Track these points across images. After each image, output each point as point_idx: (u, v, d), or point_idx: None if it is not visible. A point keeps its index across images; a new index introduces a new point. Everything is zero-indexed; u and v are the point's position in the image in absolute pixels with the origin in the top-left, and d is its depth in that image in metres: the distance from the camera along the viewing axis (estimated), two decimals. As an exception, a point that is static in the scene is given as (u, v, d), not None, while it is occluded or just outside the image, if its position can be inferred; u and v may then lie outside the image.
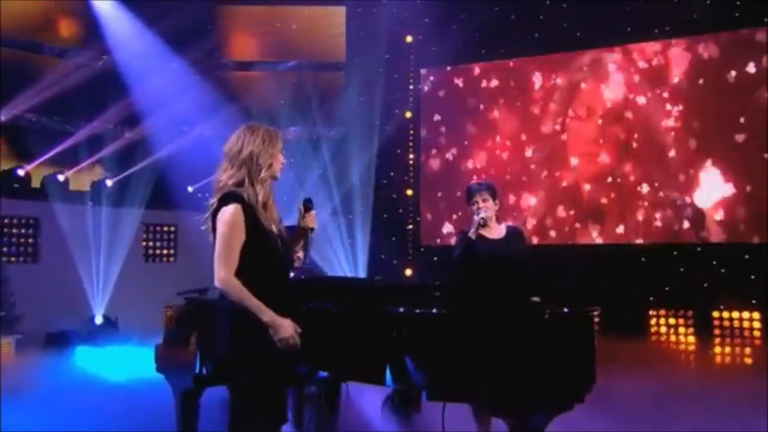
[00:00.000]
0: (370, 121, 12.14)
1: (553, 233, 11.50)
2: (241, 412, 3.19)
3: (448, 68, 12.38)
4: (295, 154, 12.46)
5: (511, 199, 11.58)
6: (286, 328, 3.12)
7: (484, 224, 4.58)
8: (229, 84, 11.69)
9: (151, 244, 12.08)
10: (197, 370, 4.37)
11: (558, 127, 11.53)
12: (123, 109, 11.04)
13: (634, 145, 11.00)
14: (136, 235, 11.46)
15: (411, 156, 12.45)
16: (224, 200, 3.15)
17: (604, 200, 11.19)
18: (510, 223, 4.96)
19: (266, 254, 3.19)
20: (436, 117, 12.43)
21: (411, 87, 12.49)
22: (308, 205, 3.43)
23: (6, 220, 10.68)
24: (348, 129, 12.37)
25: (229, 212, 3.11)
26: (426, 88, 12.54)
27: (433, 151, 12.40)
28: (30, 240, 10.84)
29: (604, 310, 10.74)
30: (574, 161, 11.44)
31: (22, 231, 10.91)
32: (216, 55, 11.68)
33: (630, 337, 9.81)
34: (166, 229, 12.18)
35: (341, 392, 4.87)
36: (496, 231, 4.77)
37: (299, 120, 12.34)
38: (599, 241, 11.18)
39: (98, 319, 10.72)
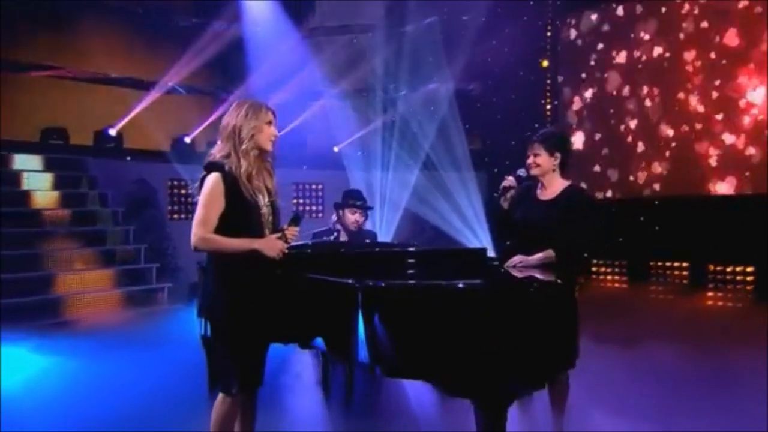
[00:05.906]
0: (507, 72, 11.64)
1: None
2: (216, 366, 3.50)
3: (588, 11, 11.41)
4: (435, 110, 12.42)
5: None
6: (271, 248, 3.29)
7: (504, 192, 4.00)
8: (353, 47, 11.85)
9: (301, 201, 12.85)
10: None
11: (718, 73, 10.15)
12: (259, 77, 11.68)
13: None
14: (286, 194, 12.23)
15: (549, 108, 11.77)
16: (207, 170, 3.35)
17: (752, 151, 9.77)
18: (572, 183, 4.04)
19: (246, 224, 3.34)
20: (576, 64, 11.59)
21: (549, 34, 11.74)
22: (294, 222, 3.43)
23: (174, 183, 12.02)
24: (485, 82, 12.01)
25: (210, 180, 3.31)
26: (564, 34, 11.71)
27: (574, 103, 11.62)
28: (191, 200, 12.10)
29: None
30: (742, 103, 10.02)
31: (188, 191, 12.18)
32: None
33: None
34: (314, 186, 12.89)
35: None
36: (551, 190, 3.98)
37: (435, 75, 12.21)
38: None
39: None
